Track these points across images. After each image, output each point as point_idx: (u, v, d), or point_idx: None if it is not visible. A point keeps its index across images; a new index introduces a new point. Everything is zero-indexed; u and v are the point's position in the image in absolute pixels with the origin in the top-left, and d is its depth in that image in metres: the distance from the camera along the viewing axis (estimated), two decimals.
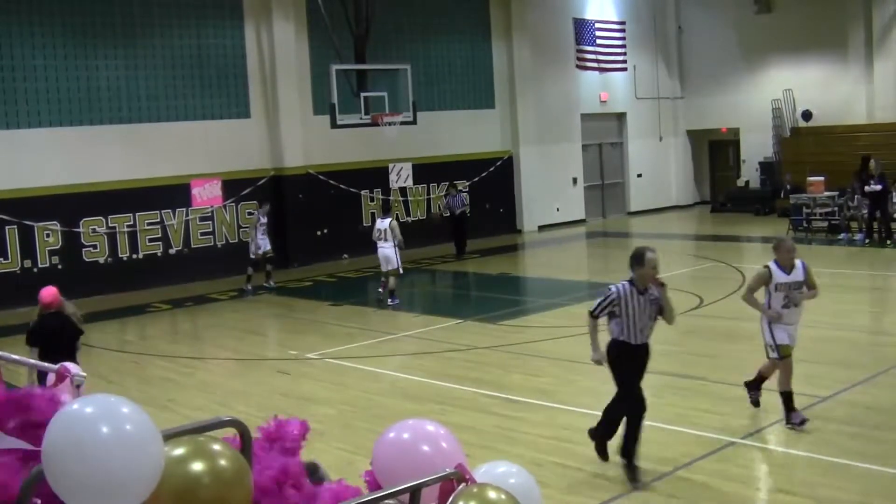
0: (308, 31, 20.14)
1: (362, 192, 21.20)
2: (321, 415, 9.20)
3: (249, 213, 18.74)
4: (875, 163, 19.31)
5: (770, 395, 8.99)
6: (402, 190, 21.88)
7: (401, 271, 15.08)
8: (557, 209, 25.07)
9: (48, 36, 16.77)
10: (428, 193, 22.44)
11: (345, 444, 8.03)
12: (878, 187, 18.79)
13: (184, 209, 18.51)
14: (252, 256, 17.03)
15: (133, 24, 17.80)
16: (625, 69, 27.23)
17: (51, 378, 4.63)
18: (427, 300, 16.85)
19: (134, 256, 17.86)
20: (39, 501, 2.17)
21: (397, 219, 17.14)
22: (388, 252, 14.84)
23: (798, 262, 7.94)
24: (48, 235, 16.82)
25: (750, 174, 26.97)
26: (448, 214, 20.60)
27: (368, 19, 18.43)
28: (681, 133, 28.84)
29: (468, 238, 20.78)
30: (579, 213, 25.82)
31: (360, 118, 17.99)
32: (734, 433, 7.79)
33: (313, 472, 2.94)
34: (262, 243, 16.93)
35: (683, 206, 28.68)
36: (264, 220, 17.04)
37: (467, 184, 22.51)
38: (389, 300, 14.97)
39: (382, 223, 15.07)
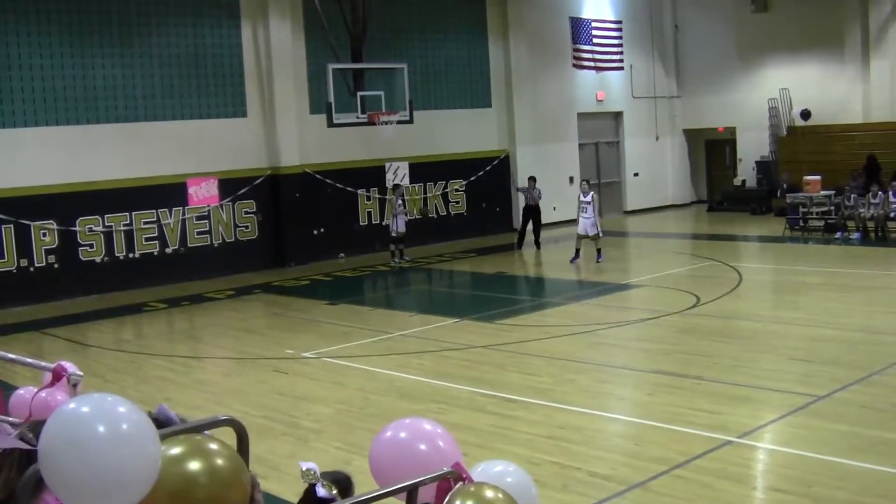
0: (305, 30, 20.12)
1: (359, 192, 21.20)
2: (318, 414, 9.20)
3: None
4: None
5: (768, 393, 9.01)
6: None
7: (601, 234, 18.28)
8: (554, 208, 25.06)
9: (44, 35, 16.74)
10: (424, 192, 22.43)
11: (342, 443, 8.04)
12: None
13: (180, 208, 18.49)
14: (393, 235, 19.35)
15: (130, 23, 17.77)
16: (621, 68, 27.24)
17: (46, 377, 4.62)
18: (424, 299, 16.85)
19: (130, 255, 17.84)
20: None
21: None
22: (589, 221, 18.04)
23: None
24: (44, 234, 16.80)
25: (746, 173, 26.98)
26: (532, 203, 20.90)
27: (365, 18, 18.43)
28: (677, 132, 28.86)
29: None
30: (576, 213, 25.75)
31: (357, 117, 18.00)
32: (730, 432, 7.79)
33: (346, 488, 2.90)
34: (401, 224, 19.22)
35: (680, 205, 28.71)
36: (401, 202, 19.38)
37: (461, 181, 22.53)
38: (598, 259, 18.09)
39: (586, 197, 18.25)
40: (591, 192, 18.42)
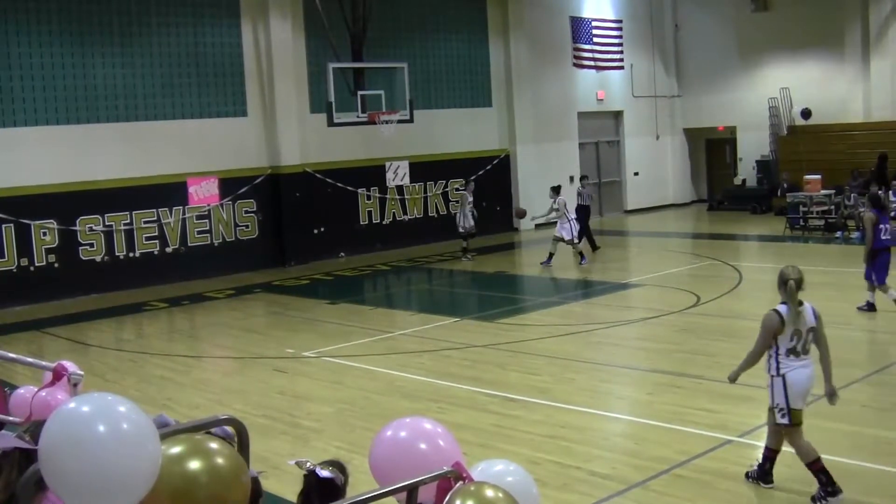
0: (305, 29, 20.12)
1: (359, 191, 21.20)
2: (318, 413, 9.20)
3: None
4: None
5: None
6: (399, 188, 21.88)
7: (575, 241, 18.29)
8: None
9: (45, 34, 16.74)
10: (425, 192, 22.42)
11: (342, 443, 8.04)
12: None
13: (180, 207, 18.49)
14: (461, 231, 19.40)
15: (130, 23, 17.77)
16: (622, 67, 27.24)
17: (47, 377, 4.62)
18: (424, 298, 16.85)
19: (131, 255, 17.84)
20: None
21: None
22: (564, 225, 18.11)
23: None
24: (45, 234, 16.80)
25: (747, 173, 26.99)
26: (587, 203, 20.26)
27: (365, 17, 18.43)
28: (678, 131, 28.86)
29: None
30: (573, 213, 25.75)
31: (357, 116, 18.00)
32: (731, 431, 7.80)
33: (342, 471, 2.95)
34: (469, 219, 19.27)
35: (680, 204, 28.71)
36: (471, 198, 19.30)
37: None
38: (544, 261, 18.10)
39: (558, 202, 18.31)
40: (558, 197, 18.36)
